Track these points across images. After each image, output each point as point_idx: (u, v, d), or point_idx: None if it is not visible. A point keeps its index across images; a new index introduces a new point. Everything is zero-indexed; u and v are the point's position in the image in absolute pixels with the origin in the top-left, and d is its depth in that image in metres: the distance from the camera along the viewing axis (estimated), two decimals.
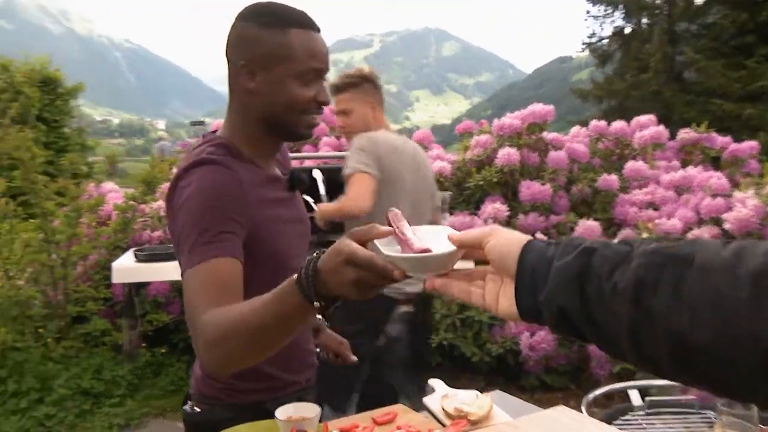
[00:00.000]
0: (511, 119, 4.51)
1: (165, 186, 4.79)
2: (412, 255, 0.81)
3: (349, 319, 1.91)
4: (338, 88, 2.49)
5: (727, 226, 3.55)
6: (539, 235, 3.91)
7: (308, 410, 1.27)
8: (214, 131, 1.36)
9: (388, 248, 0.85)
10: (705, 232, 3.62)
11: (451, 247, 0.80)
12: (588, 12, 18.65)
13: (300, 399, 1.34)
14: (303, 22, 1.23)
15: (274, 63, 1.22)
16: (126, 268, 3.05)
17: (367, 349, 2.22)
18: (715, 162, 5.03)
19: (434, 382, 1.67)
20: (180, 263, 1.16)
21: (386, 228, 0.88)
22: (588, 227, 3.76)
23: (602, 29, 19.11)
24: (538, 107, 4.46)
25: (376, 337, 2.42)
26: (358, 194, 2.32)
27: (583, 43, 18.91)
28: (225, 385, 1.32)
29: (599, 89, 17.40)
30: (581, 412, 1.62)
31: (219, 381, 1.32)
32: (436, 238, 0.84)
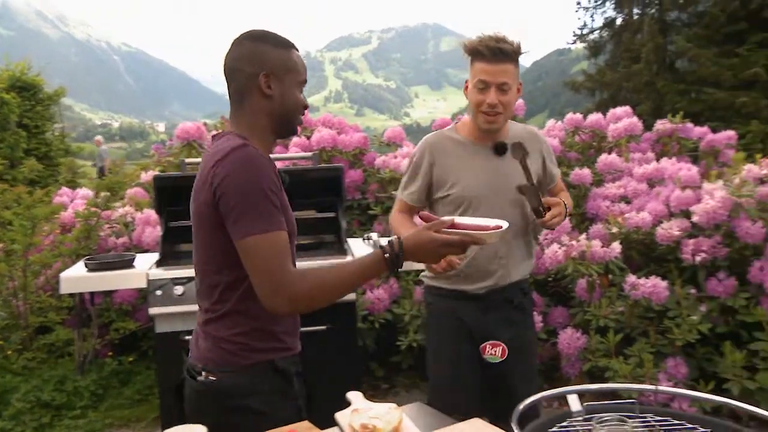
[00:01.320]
0: None
1: (133, 191, 4.73)
2: (490, 232, 1.48)
3: None
4: (503, 53, 2.05)
5: (695, 218, 3.47)
6: None
7: None
8: (219, 132, 1.60)
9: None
10: (674, 226, 3.55)
11: (505, 223, 1.50)
12: (578, 3, 18.53)
13: (295, 364, 1.61)
14: (294, 45, 1.59)
15: (285, 74, 1.54)
16: (76, 277, 2.99)
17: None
18: (694, 153, 4.96)
19: (351, 395, 1.60)
20: (235, 231, 1.41)
21: (448, 218, 1.50)
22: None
23: (593, 20, 19.01)
24: None
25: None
26: None
27: (574, 35, 18.78)
28: (241, 345, 1.51)
29: (591, 81, 17.28)
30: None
31: (236, 343, 1.50)
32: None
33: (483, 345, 2.19)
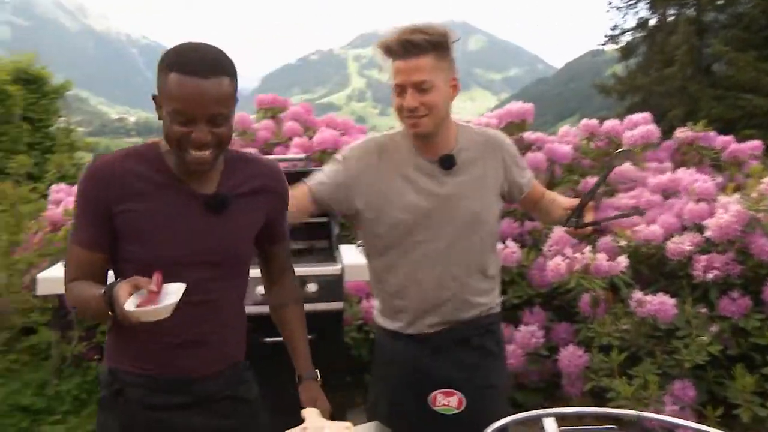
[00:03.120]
0: (488, 118, 4.41)
1: None
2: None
3: None
4: (414, 46, 1.80)
5: (708, 233, 3.40)
6: (510, 243, 3.80)
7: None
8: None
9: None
10: (686, 240, 3.48)
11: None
12: (610, 2, 18.37)
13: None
14: (184, 66, 1.41)
15: (162, 100, 1.47)
16: (53, 278, 3.01)
17: None
18: (718, 163, 4.87)
19: (306, 412, 1.59)
20: None
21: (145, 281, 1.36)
22: (561, 236, 3.64)
23: (625, 21, 18.85)
24: (515, 106, 4.36)
25: None
26: None
27: (606, 36, 18.63)
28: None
29: (622, 84, 17.14)
30: None
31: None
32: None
33: (433, 394, 1.92)
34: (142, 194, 1.52)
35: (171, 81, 1.41)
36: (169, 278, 1.44)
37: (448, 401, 1.92)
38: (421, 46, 1.78)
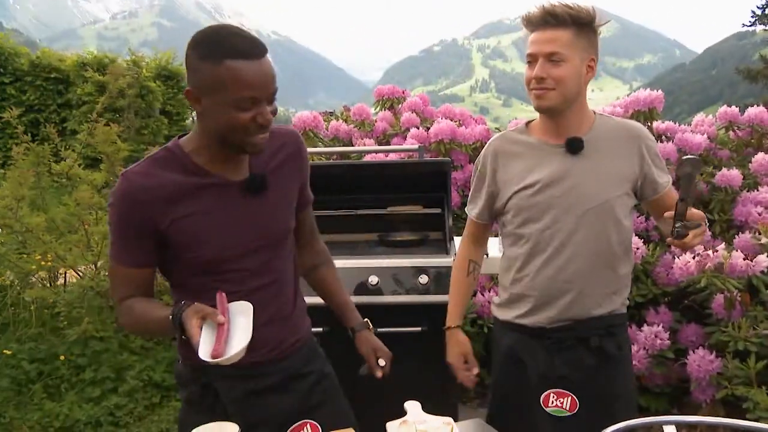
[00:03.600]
0: (613, 107, 4.20)
1: None
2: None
3: None
4: (553, 17, 1.79)
5: None
6: (635, 238, 3.60)
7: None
8: (184, 134, 1.61)
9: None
10: None
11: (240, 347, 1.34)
12: None
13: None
14: (237, 51, 1.38)
15: (212, 92, 1.40)
16: None
17: None
18: None
19: (408, 405, 1.58)
20: None
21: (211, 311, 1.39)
22: None
23: None
24: (643, 94, 4.12)
25: None
26: None
27: (753, 15, 17.19)
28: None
29: None
30: None
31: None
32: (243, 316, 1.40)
33: (546, 393, 1.88)
34: (184, 200, 1.50)
35: (230, 69, 1.37)
36: (233, 273, 1.52)
37: (561, 402, 1.86)
38: (560, 18, 1.77)
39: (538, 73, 1.80)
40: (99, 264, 4.01)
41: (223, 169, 1.54)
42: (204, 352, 1.31)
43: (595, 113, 1.95)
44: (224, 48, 1.38)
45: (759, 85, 17.09)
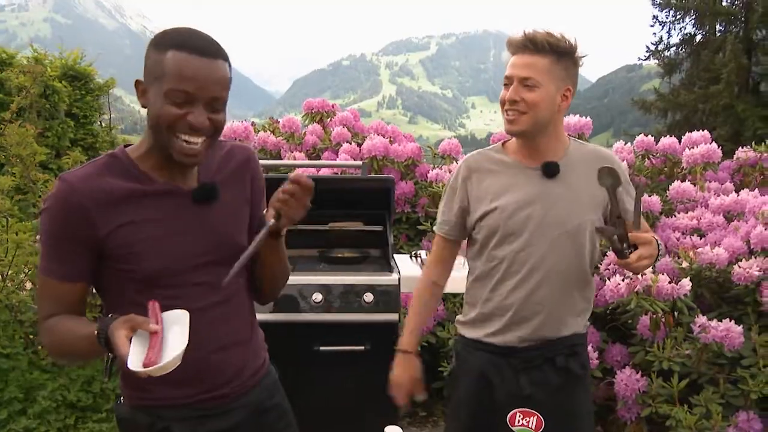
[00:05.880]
0: None
1: None
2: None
3: None
4: (532, 44, 1.82)
5: None
6: None
7: None
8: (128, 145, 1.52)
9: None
10: (755, 265, 3.37)
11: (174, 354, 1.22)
12: (655, 17, 18.15)
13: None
14: (184, 44, 1.33)
15: (152, 81, 1.35)
16: None
17: None
18: None
19: (389, 430, 1.55)
20: None
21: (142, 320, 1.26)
22: (613, 257, 3.54)
23: (670, 36, 18.57)
24: (573, 119, 4.28)
25: None
26: None
27: (647, 50, 18.38)
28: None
29: (664, 101, 16.91)
30: None
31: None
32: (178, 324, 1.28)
33: (512, 412, 1.89)
34: (128, 207, 1.39)
35: (171, 58, 1.32)
36: (179, 289, 1.40)
37: (527, 421, 1.88)
38: (539, 45, 1.81)
39: (511, 96, 1.85)
40: (8, 274, 3.71)
41: (170, 176, 1.44)
42: (134, 363, 1.19)
43: (570, 139, 2.00)
44: (174, 39, 1.34)
45: (648, 116, 18.28)
